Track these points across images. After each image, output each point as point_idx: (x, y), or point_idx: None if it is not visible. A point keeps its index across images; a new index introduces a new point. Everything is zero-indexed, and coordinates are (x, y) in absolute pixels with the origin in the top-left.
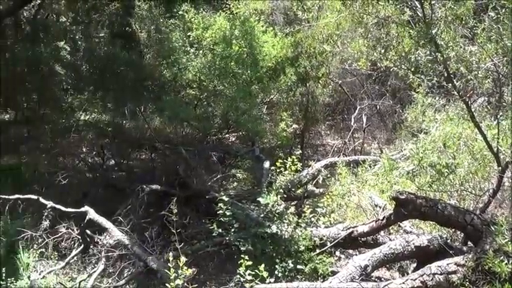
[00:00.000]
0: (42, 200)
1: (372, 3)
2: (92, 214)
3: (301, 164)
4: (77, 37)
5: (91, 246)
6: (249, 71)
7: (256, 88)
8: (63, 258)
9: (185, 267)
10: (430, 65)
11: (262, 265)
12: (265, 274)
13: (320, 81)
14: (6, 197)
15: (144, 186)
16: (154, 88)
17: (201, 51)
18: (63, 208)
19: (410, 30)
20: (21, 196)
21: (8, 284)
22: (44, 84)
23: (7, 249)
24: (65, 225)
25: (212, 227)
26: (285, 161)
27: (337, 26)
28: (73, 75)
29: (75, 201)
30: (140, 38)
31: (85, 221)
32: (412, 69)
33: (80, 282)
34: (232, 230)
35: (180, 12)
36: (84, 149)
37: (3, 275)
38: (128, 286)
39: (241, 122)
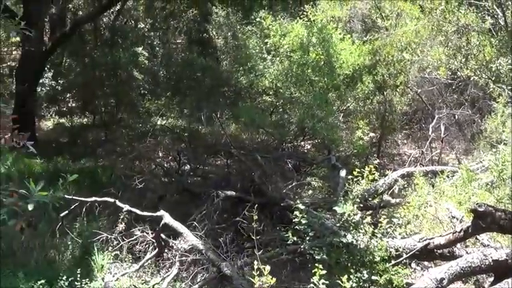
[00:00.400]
0: (118, 203)
1: (452, 11)
2: (167, 218)
3: (378, 174)
4: (155, 43)
5: (165, 250)
6: (325, 79)
7: (333, 96)
8: (137, 261)
9: (269, 276)
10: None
11: (345, 276)
12: (347, 285)
13: (398, 90)
14: (84, 199)
15: (220, 192)
16: (231, 94)
17: (278, 58)
18: (138, 212)
19: (492, 39)
20: (98, 199)
21: (82, 285)
22: (121, 89)
23: (82, 251)
24: (140, 229)
25: (287, 235)
26: (362, 170)
27: (416, 33)
28: (150, 81)
29: (151, 205)
30: (217, 44)
31: (160, 225)
32: (493, 79)
33: (153, 286)
34: (307, 238)
35: (258, 19)
36: (160, 154)
37: (78, 276)
38: None
39: (317, 129)
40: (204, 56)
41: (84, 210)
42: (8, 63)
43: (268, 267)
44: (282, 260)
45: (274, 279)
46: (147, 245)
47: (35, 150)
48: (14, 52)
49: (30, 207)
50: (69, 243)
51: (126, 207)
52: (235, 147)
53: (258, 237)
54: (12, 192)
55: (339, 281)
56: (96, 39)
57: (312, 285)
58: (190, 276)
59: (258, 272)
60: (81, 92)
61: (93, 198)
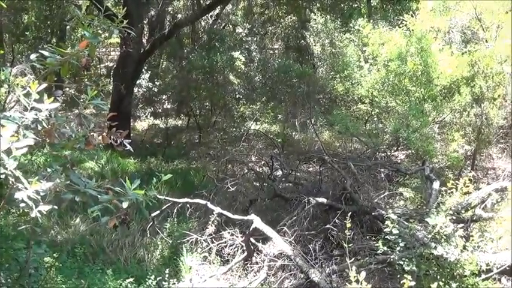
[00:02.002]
0: (210, 205)
1: None
2: (257, 222)
3: (472, 187)
4: (252, 48)
5: (254, 254)
6: (422, 89)
7: (429, 106)
8: (225, 264)
9: (365, 283)
10: None
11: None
12: None
13: (495, 103)
14: (176, 200)
15: (311, 199)
16: (326, 101)
17: (375, 67)
18: (230, 215)
19: None
20: (190, 200)
21: (170, 285)
22: (217, 93)
23: (171, 251)
24: (229, 232)
25: (377, 244)
26: (456, 182)
27: None
28: (246, 85)
29: (242, 209)
30: (314, 51)
31: (250, 229)
32: None
33: None
34: (398, 248)
35: (356, 27)
36: (253, 158)
37: (166, 275)
38: None
39: (412, 140)
40: (300, 63)
41: (175, 211)
42: (106, 64)
43: (363, 274)
44: (370, 269)
45: (370, 286)
46: (235, 249)
47: (128, 150)
48: (112, 53)
49: (124, 205)
50: (159, 243)
51: (217, 209)
52: (328, 154)
53: (348, 245)
54: (108, 189)
55: None
56: (194, 43)
57: None
58: (278, 282)
59: (354, 279)
60: (176, 94)
61: (185, 200)
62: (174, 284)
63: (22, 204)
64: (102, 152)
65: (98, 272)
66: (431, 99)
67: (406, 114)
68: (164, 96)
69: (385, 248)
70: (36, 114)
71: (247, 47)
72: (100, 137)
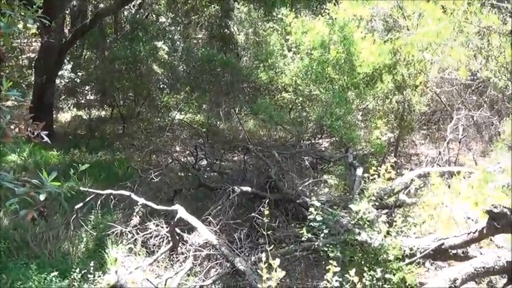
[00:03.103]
0: (134, 196)
1: (475, 13)
2: (182, 213)
3: (394, 173)
4: (176, 37)
5: (179, 245)
6: (345, 77)
7: (352, 94)
8: (151, 255)
9: (279, 269)
10: None
11: (353, 270)
12: (355, 279)
13: (417, 90)
14: (99, 191)
15: (236, 188)
16: (250, 90)
17: (298, 56)
18: (154, 205)
19: None
20: (113, 192)
21: (96, 278)
22: (141, 83)
23: (96, 244)
24: (154, 223)
25: (302, 232)
26: (378, 168)
27: (437, 34)
28: (170, 75)
29: (166, 199)
30: (238, 40)
31: (175, 219)
32: None
33: (166, 280)
34: (322, 235)
35: (280, 16)
36: (177, 148)
37: (91, 268)
38: (214, 286)
39: (335, 127)
40: (224, 52)
41: (99, 203)
42: (28, 55)
43: (277, 261)
44: (296, 257)
45: (284, 272)
46: (161, 239)
47: (51, 141)
48: (33, 44)
49: (42, 197)
50: (83, 235)
51: (141, 200)
52: (253, 143)
53: (272, 233)
54: (25, 181)
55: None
56: (117, 33)
57: (325, 282)
58: (204, 271)
59: (267, 266)
60: (100, 85)
61: (109, 191)
62: (100, 276)
63: None
64: (25, 145)
65: (22, 267)
66: (354, 87)
67: (329, 102)
68: (87, 87)
69: (310, 235)
70: None
71: (170, 36)
72: (17, 129)
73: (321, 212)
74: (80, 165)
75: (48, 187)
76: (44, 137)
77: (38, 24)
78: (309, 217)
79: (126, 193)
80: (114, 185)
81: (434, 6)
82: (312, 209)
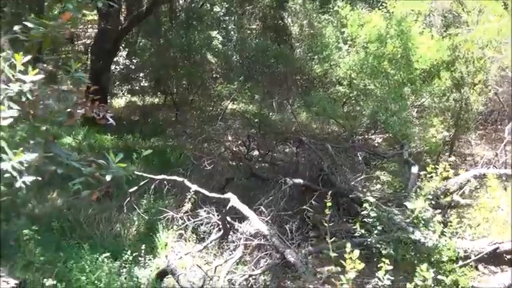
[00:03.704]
0: (187, 182)
1: None
2: (234, 201)
3: (452, 172)
4: (230, 27)
5: (230, 233)
6: (401, 72)
7: (408, 90)
8: (200, 241)
9: (358, 261)
10: None
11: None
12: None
13: (475, 88)
14: (154, 176)
15: (288, 179)
16: (303, 83)
17: (354, 49)
18: (206, 192)
19: None
20: (167, 177)
21: (146, 261)
22: (194, 71)
23: (147, 227)
24: (205, 210)
25: (355, 227)
26: (436, 166)
27: (498, 31)
28: (223, 65)
29: (218, 187)
30: (292, 31)
31: (227, 207)
32: None
33: (216, 267)
34: (375, 232)
35: (335, 8)
36: (229, 138)
37: (143, 251)
38: (262, 276)
39: (389, 123)
40: (278, 43)
41: (152, 187)
42: (84, 41)
43: (357, 252)
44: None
45: (363, 264)
46: (211, 227)
47: (110, 125)
48: (89, 30)
49: (108, 178)
50: (135, 219)
51: (194, 187)
52: (306, 135)
53: (323, 227)
54: (91, 162)
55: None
56: (172, 21)
57: (376, 279)
58: (254, 261)
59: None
60: (154, 72)
61: (162, 176)
62: (150, 260)
63: (6, 175)
64: (80, 128)
65: (74, 246)
66: (411, 82)
67: (384, 97)
68: (141, 74)
69: (363, 231)
70: (20, 86)
71: (224, 26)
72: (82, 111)
73: (375, 208)
74: (142, 150)
75: (114, 168)
76: (109, 119)
77: (101, 8)
78: (362, 213)
79: (180, 179)
80: (166, 171)
81: (496, 3)
82: (366, 205)
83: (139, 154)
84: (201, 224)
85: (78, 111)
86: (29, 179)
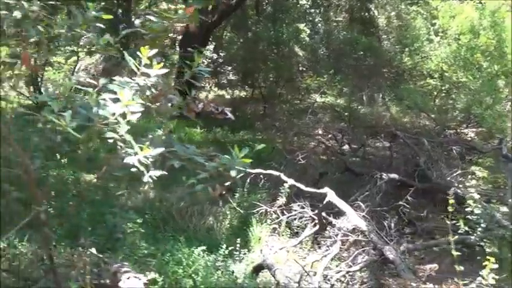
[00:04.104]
0: (283, 176)
1: None
2: (331, 196)
3: None
4: (316, 20)
5: (327, 228)
6: (495, 65)
7: (502, 83)
8: (294, 236)
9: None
10: None
11: None
12: None
13: None
14: (250, 170)
15: (384, 174)
16: (392, 75)
17: (445, 41)
18: (303, 187)
19: None
20: (263, 171)
21: (241, 255)
22: (282, 64)
23: (241, 221)
24: (299, 204)
25: (458, 224)
26: None
27: None
28: (310, 57)
29: (311, 181)
30: (379, 23)
31: (324, 202)
32: None
33: (312, 263)
34: (479, 229)
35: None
36: (320, 131)
37: (238, 245)
38: (359, 273)
39: (484, 117)
40: (365, 35)
41: (247, 181)
42: (170, 35)
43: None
44: (445, 249)
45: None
46: (305, 221)
47: (197, 120)
48: (175, 24)
49: (233, 173)
50: (228, 212)
51: (290, 181)
52: (399, 129)
53: (420, 223)
54: (213, 156)
55: None
56: (259, 14)
57: (479, 278)
58: (351, 257)
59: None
60: (241, 65)
61: (259, 170)
62: (245, 254)
63: (133, 169)
64: (169, 121)
65: (170, 239)
66: (505, 75)
67: (478, 90)
68: (229, 68)
69: (466, 228)
70: (144, 80)
71: (310, 19)
72: (200, 105)
73: (479, 205)
74: (255, 144)
75: (238, 164)
76: (228, 113)
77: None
78: (466, 210)
79: (276, 173)
80: (257, 164)
81: None
82: (470, 201)
83: (252, 148)
84: (294, 219)
85: (199, 105)
86: (155, 173)
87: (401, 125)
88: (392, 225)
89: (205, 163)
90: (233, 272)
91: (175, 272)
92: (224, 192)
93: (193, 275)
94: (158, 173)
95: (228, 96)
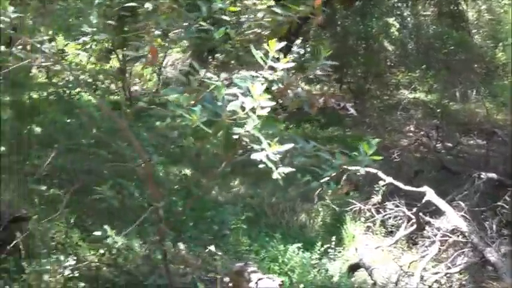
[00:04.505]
0: (381, 174)
1: None
2: (430, 195)
3: None
4: (405, 14)
5: (425, 228)
6: None
7: None
8: (388, 235)
9: None
10: None
11: None
12: None
13: None
14: (348, 167)
15: (482, 173)
16: (484, 71)
17: None
18: (401, 185)
19: None
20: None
21: (335, 253)
22: (372, 59)
23: (334, 218)
24: (394, 203)
25: None
26: None
27: None
28: (399, 52)
29: (406, 179)
30: (469, 17)
31: (423, 201)
32: None
33: (410, 263)
34: None
35: None
36: (412, 128)
37: (333, 243)
38: (457, 275)
39: None
40: (455, 29)
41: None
42: (254, 30)
43: None
44: None
45: None
46: (400, 220)
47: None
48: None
49: (362, 171)
50: (320, 209)
51: (388, 179)
52: (496, 127)
53: None
54: (343, 153)
55: None
56: (347, 8)
57: None
58: (450, 259)
59: None
60: (329, 60)
61: (356, 168)
62: (340, 252)
63: (261, 166)
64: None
65: (264, 236)
66: None
67: None
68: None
69: None
70: (271, 74)
71: (398, 13)
72: (321, 100)
73: None
74: (372, 139)
75: (367, 161)
76: (350, 109)
77: None
78: None
79: (373, 170)
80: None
81: None
82: None
83: (369, 144)
84: (389, 218)
85: (319, 100)
86: (285, 170)
87: (495, 122)
88: (494, 226)
89: (332, 160)
90: (327, 271)
91: (271, 269)
92: (348, 191)
93: (289, 273)
94: (287, 169)
95: (314, 92)
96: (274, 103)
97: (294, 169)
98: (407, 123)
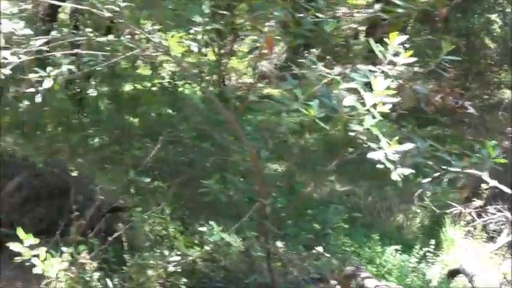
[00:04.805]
0: (485, 177)
1: None
2: None
3: None
4: (507, 10)
5: None
6: None
7: None
8: (489, 241)
9: None
10: None
11: None
12: None
13: None
14: (450, 168)
15: None
16: None
17: None
18: (505, 189)
19: None
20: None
21: (434, 257)
22: (473, 57)
23: (433, 221)
24: (495, 207)
25: None
26: None
27: None
28: (500, 50)
29: (510, 183)
30: None
31: None
32: None
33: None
34: None
35: None
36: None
37: (432, 247)
38: None
39: None
40: None
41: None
42: (351, 25)
43: None
44: None
45: None
46: (503, 226)
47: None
48: (355, 14)
49: (485, 176)
50: (418, 210)
51: (493, 182)
52: None
53: None
54: (462, 155)
55: None
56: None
57: None
58: None
59: None
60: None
61: (458, 169)
62: (439, 256)
63: (379, 166)
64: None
65: (362, 236)
66: None
67: None
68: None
69: None
70: (390, 69)
71: (500, 9)
72: (438, 97)
73: None
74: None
75: (489, 164)
76: (469, 107)
77: None
78: None
79: (477, 173)
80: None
81: None
82: None
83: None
84: (490, 223)
85: (436, 98)
86: (404, 171)
87: None
88: None
89: (452, 161)
90: (424, 275)
91: (368, 270)
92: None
93: (386, 275)
94: (408, 171)
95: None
96: (396, 99)
97: (413, 170)
98: (510, 123)
